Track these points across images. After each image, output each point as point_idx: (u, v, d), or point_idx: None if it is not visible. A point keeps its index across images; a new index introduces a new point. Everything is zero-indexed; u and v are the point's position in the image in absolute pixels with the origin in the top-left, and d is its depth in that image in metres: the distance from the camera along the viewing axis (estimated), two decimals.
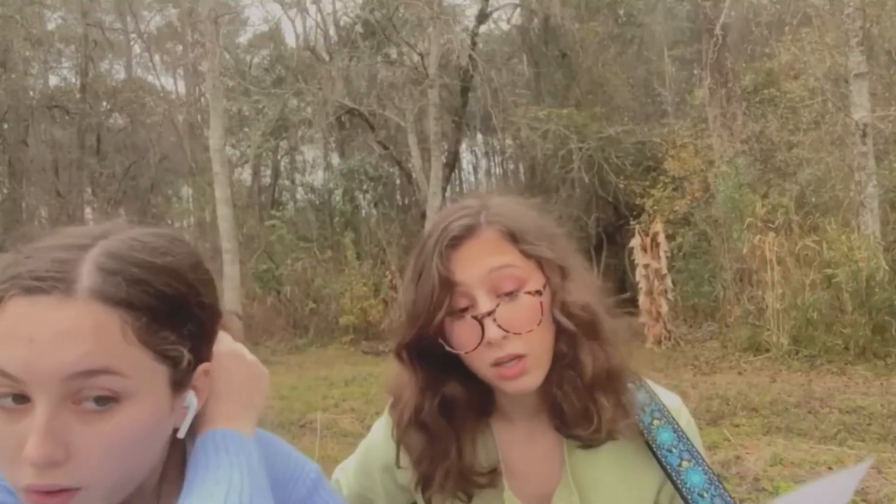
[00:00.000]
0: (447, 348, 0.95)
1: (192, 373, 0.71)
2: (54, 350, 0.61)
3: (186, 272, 0.70)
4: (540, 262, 0.96)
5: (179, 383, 0.70)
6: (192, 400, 0.72)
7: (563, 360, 0.97)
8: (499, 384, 0.95)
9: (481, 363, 0.94)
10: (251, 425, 0.77)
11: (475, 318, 0.91)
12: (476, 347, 0.92)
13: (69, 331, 0.61)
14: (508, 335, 0.91)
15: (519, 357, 0.92)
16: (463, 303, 0.93)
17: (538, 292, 0.94)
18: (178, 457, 0.79)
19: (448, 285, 0.93)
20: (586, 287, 1.00)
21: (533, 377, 0.94)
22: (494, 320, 0.91)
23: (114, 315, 0.63)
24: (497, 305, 0.91)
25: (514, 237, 0.95)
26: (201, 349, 0.72)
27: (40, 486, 0.62)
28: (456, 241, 0.94)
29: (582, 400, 0.97)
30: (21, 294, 0.62)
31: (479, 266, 0.93)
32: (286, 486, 0.84)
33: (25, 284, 0.62)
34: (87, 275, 0.63)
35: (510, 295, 0.93)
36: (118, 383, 0.63)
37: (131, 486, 0.69)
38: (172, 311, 0.67)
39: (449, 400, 1.00)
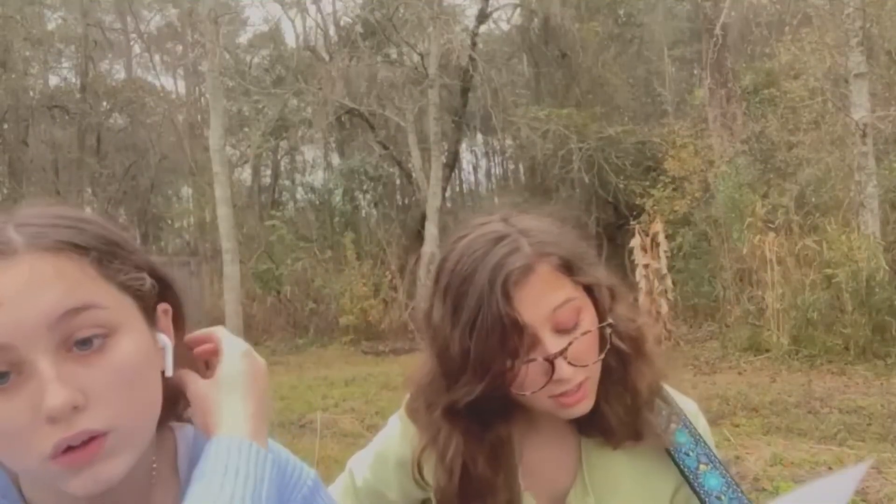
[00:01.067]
0: (513, 392, 0.92)
1: (155, 309, 0.71)
2: (28, 302, 0.60)
3: (106, 221, 0.71)
4: (590, 287, 0.94)
5: (150, 315, 0.70)
6: (164, 340, 0.72)
7: (612, 376, 0.96)
8: (560, 412, 0.93)
9: (542, 398, 0.92)
10: (266, 435, 0.72)
11: (546, 359, 0.89)
12: (544, 386, 0.90)
13: (31, 282, 0.61)
14: (577, 369, 0.90)
15: (581, 384, 0.91)
16: (527, 344, 0.89)
17: (608, 325, 0.93)
18: (170, 452, 0.78)
19: (519, 330, 0.87)
20: (628, 301, 1.00)
21: (590, 400, 0.94)
22: (565, 358, 0.89)
23: (64, 257, 0.63)
24: (569, 344, 0.88)
25: (568, 268, 0.92)
26: (159, 282, 0.72)
27: (70, 438, 0.60)
28: (516, 282, 0.88)
29: (630, 415, 0.97)
30: None
31: (543, 306, 0.88)
32: (283, 492, 0.83)
33: None
34: (17, 235, 0.63)
35: (573, 330, 0.90)
36: (102, 316, 0.63)
37: (148, 431, 0.69)
38: (113, 248, 0.68)
39: (499, 444, 0.98)
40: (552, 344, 0.89)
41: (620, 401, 0.97)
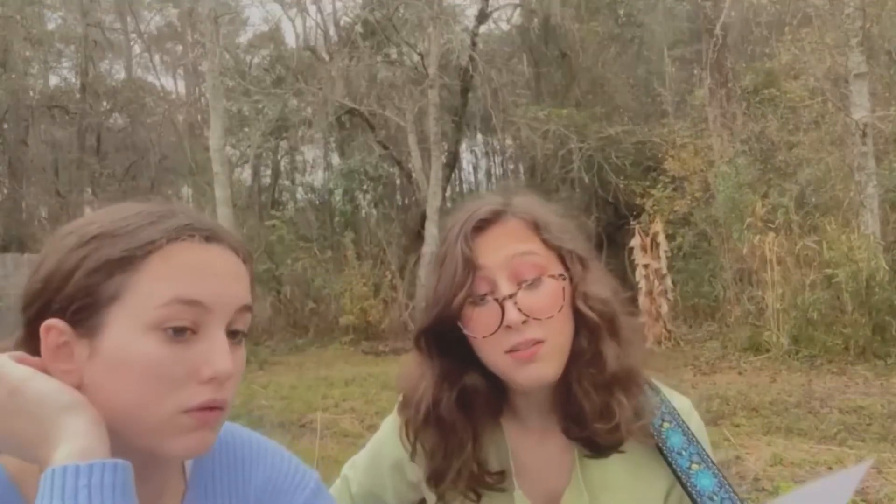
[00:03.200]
0: (464, 332, 0.95)
1: None
2: (233, 285, 0.74)
3: None
4: (561, 254, 0.97)
5: None
6: None
7: (584, 356, 0.96)
8: (512, 373, 0.94)
9: (496, 350, 0.93)
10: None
11: (496, 300, 0.92)
12: (494, 332, 0.92)
13: (237, 272, 0.75)
14: (528, 320, 0.91)
15: (537, 342, 0.92)
16: (483, 288, 0.93)
17: (561, 276, 0.95)
18: None
19: (471, 267, 0.93)
20: (606, 283, 1.01)
21: (547, 366, 0.93)
22: (515, 303, 0.91)
23: (246, 265, 0.78)
24: (518, 290, 0.92)
25: (537, 227, 0.97)
26: None
27: (217, 401, 0.71)
28: (481, 225, 0.95)
29: (602, 397, 0.96)
30: (200, 240, 0.73)
31: (502, 251, 0.94)
32: (284, 493, 0.85)
33: (205, 233, 0.73)
34: (221, 233, 0.76)
35: (531, 282, 0.93)
36: (249, 320, 0.76)
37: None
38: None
39: (468, 392, 0.99)
40: (505, 288, 0.92)
41: (591, 381, 0.96)
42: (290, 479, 0.86)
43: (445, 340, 0.98)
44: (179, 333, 0.69)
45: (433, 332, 0.98)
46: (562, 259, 0.97)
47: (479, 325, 0.93)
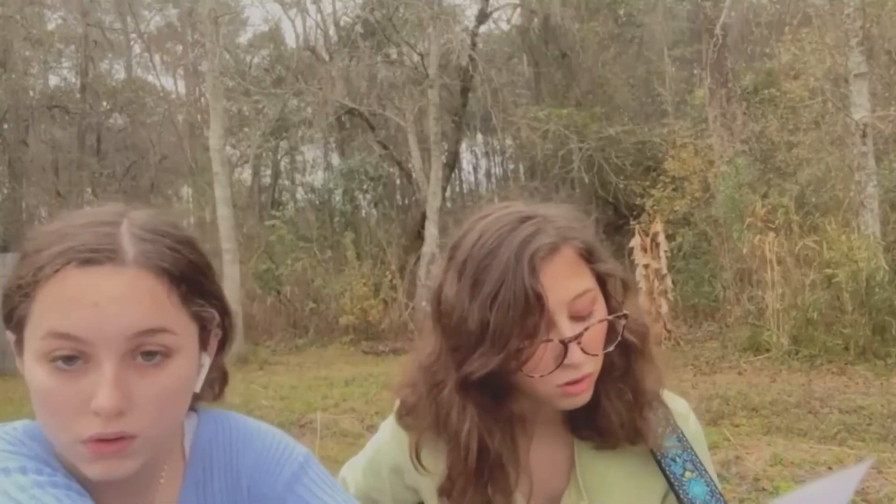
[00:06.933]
0: (521, 373, 0.91)
1: (210, 334, 0.78)
2: (118, 312, 0.67)
3: (199, 243, 0.78)
4: (604, 279, 0.94)
5: (204, 340, 0.77)
6: (205, 359, 0.79)
7: (615, 372, 0.96)
8: (560, 401, 0.93)
9: (548, 385, 0.91)
10: None
11: (561, 342, 0.88)
12: (552, 371, 0.89)
13: (127, 295, 0.68)
14: (588, 357, 0.90)
15: (588, 374, 0.91)
16: (544, 327, 0.88)
17: (623, 316, 0.93)
18: (178, 435, 0.84)
19: (541, 306, 0.86)
20: (637, 298, 1.01)
21: (591, 391, 0.93)
22: (579, 344, 0.88)
23: (160, 281, 0.70)
24: (585, 329, 0.89)
25: (589, 256, 0.92)
26: (222, 312, 0.79)
27: (106, 434, 0.67)
28: (542, 258, 0.88)
29: (630, 414, 0.96)
30: (76, 265, 0.67)
31: (565, 290, 0.88)
32: (270, 469, 0.86)
33: (81, 257, 0.67)
34: (130, 245, 0.70)
35: (587, 318, 0.90)
36: (170, 340, 0.70)
37: (167, 439, 0.77)
38: (200, 279, 0.75)
39: (512, 420, 0.97)
40: (567, 328, 0.88)
41: (622, 398, 0.96)
42: (276, 456, 0.87)
43: (486, 376, 0.92)
44: (69, 362, 0.67)
45: (482, 375, 0.91)
46: (604, 284, 0.94)
47: (538, 365, 0.89)
